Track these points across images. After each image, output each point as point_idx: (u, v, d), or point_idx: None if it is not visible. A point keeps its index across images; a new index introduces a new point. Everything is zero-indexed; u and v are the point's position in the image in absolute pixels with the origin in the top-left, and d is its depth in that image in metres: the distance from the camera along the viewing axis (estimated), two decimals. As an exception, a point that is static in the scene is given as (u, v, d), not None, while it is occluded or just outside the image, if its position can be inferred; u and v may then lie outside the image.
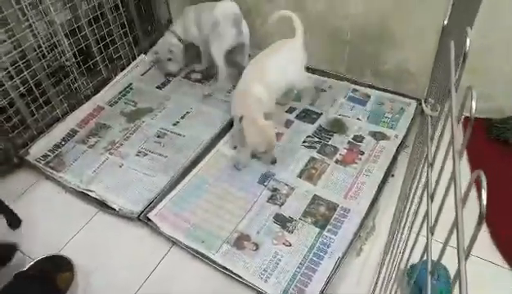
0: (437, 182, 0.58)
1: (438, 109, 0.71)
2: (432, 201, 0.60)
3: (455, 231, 0.49)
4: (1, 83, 1.89)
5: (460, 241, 0.39)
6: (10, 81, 1.93)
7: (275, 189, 1.82)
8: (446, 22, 0.67)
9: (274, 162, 1.87)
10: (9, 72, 1.92)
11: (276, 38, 2.44)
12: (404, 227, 0.88)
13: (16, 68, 1.94)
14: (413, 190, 0.80)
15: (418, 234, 0.66)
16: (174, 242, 1.66)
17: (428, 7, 1.88)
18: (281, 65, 1.95)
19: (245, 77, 1.97)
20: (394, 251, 1.03)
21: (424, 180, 0.81)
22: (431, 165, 0.63)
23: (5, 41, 1.89)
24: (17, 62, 1.94)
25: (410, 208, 0.82)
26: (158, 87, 2.44)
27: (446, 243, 0.47)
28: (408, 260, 0.74)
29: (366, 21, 2.08)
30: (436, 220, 0.55)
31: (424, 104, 0.75)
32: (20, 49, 1.93)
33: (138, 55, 2.58)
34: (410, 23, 1.98)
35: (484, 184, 0.36)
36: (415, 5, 1.92)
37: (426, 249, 0.56)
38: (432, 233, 0.56)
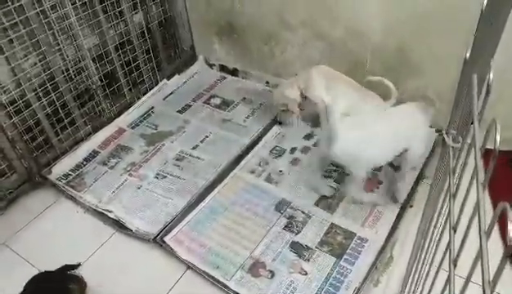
0: (460, 214, 0.57)
1: (460, 141, 0.71)
2: (455, 232, 0.59)
3: (476, 265, 0.49)
4: (29, 104, 1.97)
5: (484, 273, 0.39)
6: (37, 102, 2.00)
7: (291, 217, 1.81)
8: (468, 55, 0.68)
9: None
10: (37, 93, 1.99)
11: (297, 66, 2.49)
12: (424, 259, 0.87)
13: (44, 89, 2.02)
14: (434, 222, 0.79)
15: (439, 267, 0.65)
16: (189, 266, 1.66)
17: (446, 37, 1.89)
18: None
19: None
20: (414, 284, 1.01)
21: (444, 211, 0.80)
22: (453, 196, 0.63)
23: (36, 64, 1.98)
24: (45, 84, 2.02)
25: (431, 240, 0.81)
26: (178, 111, 2.49)
27: (470, 275, 0.46)
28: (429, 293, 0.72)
29: (386, 50, 2.10)
30: (459, 253, 0.54)
31: (445, 135, 0.75)
32: (48, 71, 2.01)
33: (161, 80, 2.65)
34: (428, 52, 1.99)
35: (511, 216, 0.36)
36: (434, 34, 1.93)
37: (448, 282, 0.55)
38: (455, 266, 0.55)
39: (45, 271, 1.55)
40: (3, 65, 1.84)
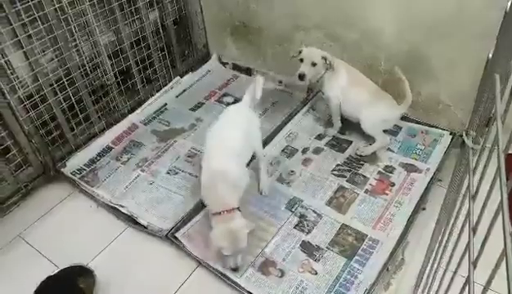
0: (481, 215, 0.57)
1: (481, 142, 0.70)
2: (474, 234, 0.59)
3: (499, 265, 0.48)
4: (45, 98, 1.99)
5: (510, 272, 0.38)
6: (54, 96, 2.03)
7: (302, 216, 1.81)
8: (490, 55, 0.68)
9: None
10: (54, 88, 2.02)
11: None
12: (440, 262, 0.86)
13: (60, 85, 2.04)
14: (451, 223, 0.78)
15: (458, 267, 0.64)
16: (200, 263, 1.67)
17: (461, 41, 1.88)
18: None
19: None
20: (427, 287, 1.00)
21: (461, 212, 0.79)
22: (473, 197, 0.63)
23: (53, 59, 2.00)
24: (62, 79, 2.04)
25: (447, 242, 0.81)
26: (191, 109, 2.50)
27: (493, 273, 0.46)
28: (445, 295, 0.72)
29: (400, 52, 2.09)
30: (479, 254, 0.54)
31: (465, 137, 0.74)
32: (65, 67, 2.04)
33: (174, 78, 2.66)
34: (443, 54, 1.98)
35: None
36: (448, 37, 1.92)
37: (468, 283, 0.55)
38: (474, 267, 0.55)
39: (53, 275, 1.56)
40: (22, 60, 1.87)
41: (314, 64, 2.02)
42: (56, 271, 1.59)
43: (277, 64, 2.61)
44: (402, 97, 1.97)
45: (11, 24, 1.76)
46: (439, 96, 2.12)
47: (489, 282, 0.47)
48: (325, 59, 2.03)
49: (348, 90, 2.05)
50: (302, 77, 2.04)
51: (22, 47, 1.84)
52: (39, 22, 1.86)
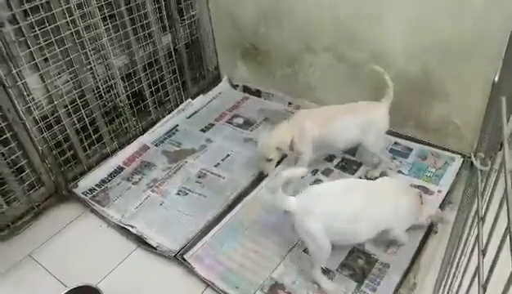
0: (489, 237, 0.56)
1: (489, 164, 0.70)
2: (483, 256, 0.58)
3: (509, 288, 0.48)
4: (59, 120, 2.04)
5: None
6: (68, 118, 2.07)
7: (312, 238, 1.79)
8: (496, 78, 0.68)
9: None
10: (68, 109, 2.07)
11: (317, 91, 2.50)
12: (451, 285, 0.84)
13: (75, 106, 2.09)
14: (462, 246, 0.77)
15: (468, 290, 0.63)
16: (208, 285, 1.65)
17: (471, 63, 1.89)
18: None
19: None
20: (439, 312, 0.98)
21: (471, 235, 0.78)
22: (482, 219, 0.62)
23: (68, 81, 2.06)
24: (76, 101, 2.09)
25: (458, 265, 0.79)
26: (202, 130, 2.53)
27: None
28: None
29: (409, 75, 2.10)
30: (488, 276, 0.53)
31: (473, 158, 0.74)
32: (79, 89, 2.09)
33: (186, 99, 2.71)
34: (454, 76, 1.98)
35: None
36: (458, 60, 1.92)
37: (478, 307, 0.54)
38: (484, 290, 0.54)
39: None
40: (38, 83, 1.92)
41: (270, 160, 2.06)
42: (64, 292, 1.59)
43: (286, 85, 2.64)
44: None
45: (29, 48, 1.82)
46: (450, 118, 2.11)
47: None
48: (279, 149, 2.01)
49: (326, 129, 1.96)
50: (264, 174, 2.11)
51: (38, 70, 1.89)
52: (56, 46, 1.92)
